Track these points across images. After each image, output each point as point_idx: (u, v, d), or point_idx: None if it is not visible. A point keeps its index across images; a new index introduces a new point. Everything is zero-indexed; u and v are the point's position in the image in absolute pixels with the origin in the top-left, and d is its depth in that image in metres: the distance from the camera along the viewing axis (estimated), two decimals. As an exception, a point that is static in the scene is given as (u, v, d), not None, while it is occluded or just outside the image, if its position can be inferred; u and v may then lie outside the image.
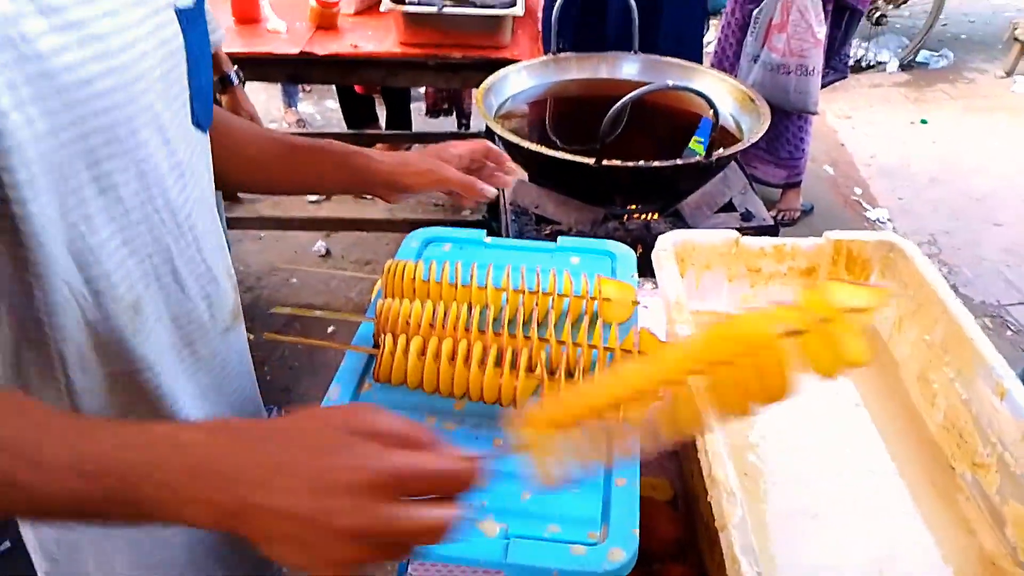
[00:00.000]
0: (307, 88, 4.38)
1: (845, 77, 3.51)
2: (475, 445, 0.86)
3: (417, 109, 3.87)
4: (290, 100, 4.05)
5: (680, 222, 1.79)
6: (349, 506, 0.47)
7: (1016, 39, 4.82)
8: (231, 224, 3.11)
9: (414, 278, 1.03)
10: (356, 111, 3.64)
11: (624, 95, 1.50)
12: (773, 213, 3.57)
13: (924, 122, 4.54)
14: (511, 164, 1.10)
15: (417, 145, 3.35)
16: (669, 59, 2.03)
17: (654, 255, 1.05)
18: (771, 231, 1.78)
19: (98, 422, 0.59)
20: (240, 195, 3.42)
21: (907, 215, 3.71)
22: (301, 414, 0.54)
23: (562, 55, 2.06)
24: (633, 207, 1.81)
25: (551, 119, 2.08)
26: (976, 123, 4.54)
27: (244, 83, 1.92)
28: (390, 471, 0.48)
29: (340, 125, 3.80)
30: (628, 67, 2.03)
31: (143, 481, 0.49)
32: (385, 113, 3.69)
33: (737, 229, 1.77)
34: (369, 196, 1.08)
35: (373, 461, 0.48)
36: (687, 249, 1.08)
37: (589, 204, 1.81)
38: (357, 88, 3.47)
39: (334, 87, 3.75)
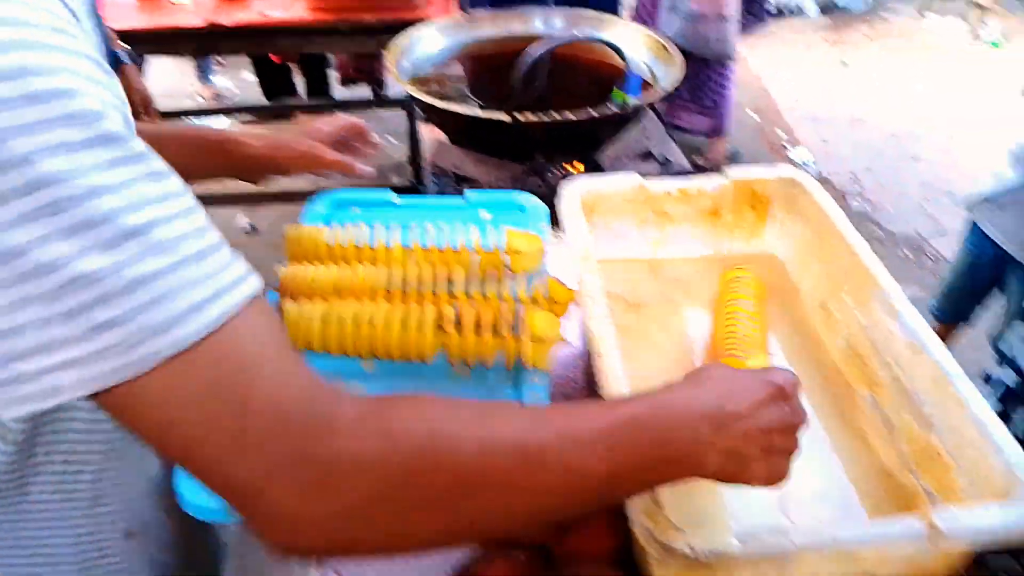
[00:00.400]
0: (222, 61, 4.25)
1: (763, 22, 3.54)
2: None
3: (336, 77, 3.79)
4: (204, 74, 3.92)
5: (601, 173, 1.80)
6: (792, 435, 0.62)
7: (928, -22, 4.93)
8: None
9: (316, 243, 1.01)
10: (273, 82, 3.55)
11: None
12: (701, 162, 3.62)
13: (845, 64, 4.63)
14: (376, 139, 1.14)
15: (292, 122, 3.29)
16: (583, 11, 2.02)
17: (561, 205, 1.05)
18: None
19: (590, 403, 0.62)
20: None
21: (831, 156, 3.80)
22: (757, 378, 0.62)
23: (476, 12, 2.04)
24: (554, 161, 1.81)
25: (470, 79, 2.05)
26: (893, 62, 4.66)
27: (137, 63, 1.84)
28: (800, 422, 0.63)
29: (258, 97, 3.70)
30: (541, 21, 2.01)
31: (664, 445, 0.55)
32: (304, 83, 3.60)
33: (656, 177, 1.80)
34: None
35: (802, 413, 0.63)
36: (594, 197, 1.09)
37: (509, 161, 1.80)
38: (273, 58, 3.38)
39: (249, 59, 3.63)
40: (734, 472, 0.59)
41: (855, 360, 0.95)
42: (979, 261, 2.09)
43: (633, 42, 1.94)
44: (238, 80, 4.25)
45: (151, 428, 0.44)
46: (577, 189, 1.06)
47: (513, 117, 1.60)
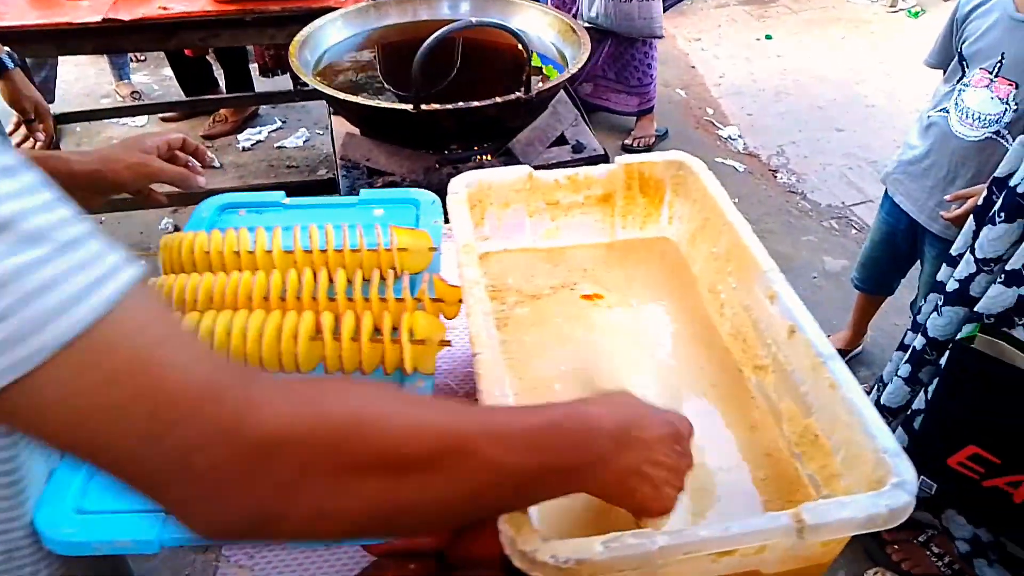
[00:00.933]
0: (140, 57, 4.10)
1: None
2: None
3: (254, 68, 3.69)
4: (120, 72, 3.77)
5: (513, 160, 1.78)
6: (679, 478, 0.66)
7: (846, -52, 5.00)
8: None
9: (194, 250, 0.98)
10: (193, 77, 3.43)
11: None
12: (628, 141, 3.63)
13: (769, 38, 4.68)
14: (209, 155, 1.10)
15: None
16: (488, -5, 1.99)
17: (447, 199, 1.03)
18: (603, 159, 1.80)
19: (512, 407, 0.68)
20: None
21: (756, 130, 3.84)
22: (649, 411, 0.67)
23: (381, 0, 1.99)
24: (465, 150, 1.78)
25: (383, 67, 2.01)
26: (816, 35, 4.72)
27: (20, 66, 1.76)
28: (690, 465, 0.68)
29: (179, 93, 3.58)
30: (447, 7, 1.97)
31: (578, 451, 0.58)
32: (223, 76, 3.50)
33: (569, 162, 1.79)
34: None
35: (690, 459, 0.69)
36: (483, 189, 1.07)
37: (419, 151, 1.77)
38: (187, 52, 3.26)
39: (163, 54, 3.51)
40: (624, 493, 0.63)
41: (741, 343, 0.96)
42: (894, 230, 2.13)
43: (540, 24, 1.92)
44: (158, 76, 4.10)
45: (56, 428, 0.42)
46: (464, 182, 1.04)
47: (417, 106, 1.57)
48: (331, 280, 0.95)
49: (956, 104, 1.83)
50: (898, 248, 2.16)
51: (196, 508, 0.45)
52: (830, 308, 2.74)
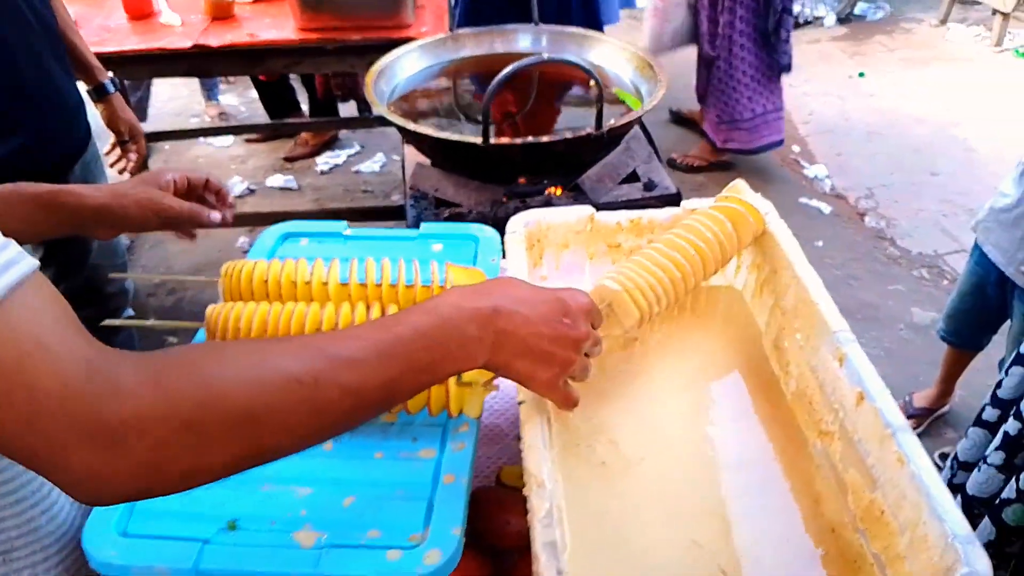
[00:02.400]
0: (230, 79, 4.27)
1: None
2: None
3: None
4: (210, 93, 3.94)
5: (583, 196, 1.76)
6: (568, 347, 0.70)
7: (949, -14, 4.81)
8: (151, 226, 3.03)
9: (252, 279, 0.99)
10: (276, 100, 3.55)
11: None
12: (675, 156, 3.61)
13: (862, 75, 4.53)
14: (231, 199, 1.08)
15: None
16: (566, 29, 1.99)
17: (506, 238, 1.01)
18: (674, 200, 1.75)
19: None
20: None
21: (845, 170, 3.70)
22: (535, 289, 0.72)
23: (459, 31, 2.01)
24: (534, 184, 1.77)
25: (457, 98, 2.03)
26: (913, 74, 4.54)
27: (119, 90, 1.84)
28: (586, 337, 0.72)
29: (264, 115, 3.71)
30: (524, 40, 1.98)
31: (438, 347, 0.63)
32: (308, 101, 3.61)
33: (639, 200, 1.75)
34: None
35: (583, 330, 0.71)
36: (542, 229, 1.05)
37: (488, 184, 1.77)
38: (261, 77, 3.39)
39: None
40: (502, 365, 0.68)
41: (806, 405, 0.90)
42: (984, 282, 2.00)
43: (618, 60, 1.90)
44: (246, 98, 4.27)
45: None
46: (523, 221, 1.02)
47: (486, 139, 1.57)
48: (383, 314, 0.94)
49: None
50: (988, 301, 2.02)
51: (76, 489, 0.50)
52: (917, 363, 2.59)
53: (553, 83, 2.02)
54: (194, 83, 4.11)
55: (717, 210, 0.98)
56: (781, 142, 3.55)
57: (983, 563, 0.63)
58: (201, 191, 1.04)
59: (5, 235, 0.49)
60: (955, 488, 1.64)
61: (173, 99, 4.23)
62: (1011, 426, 1.46)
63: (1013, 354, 1.54)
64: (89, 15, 2.39)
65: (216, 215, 1.02)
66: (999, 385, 1.59)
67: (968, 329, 2.16)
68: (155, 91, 3.65)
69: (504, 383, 1.10)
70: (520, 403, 0.80)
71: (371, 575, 0.71)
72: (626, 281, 0.89)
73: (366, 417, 0.61)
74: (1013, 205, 1.81)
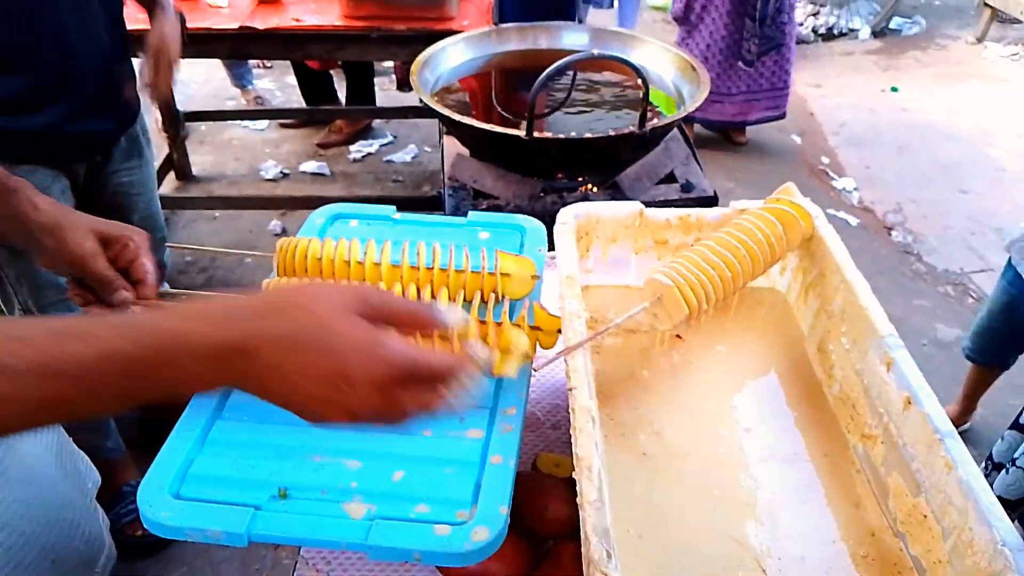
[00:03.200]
0: (267, 64, 4.30)
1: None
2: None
3: (381, 84, 3.82)
4: (242, 81, 3.93)
5: (619, 194, 1.77)
6: (364, 394, 0.53)
7: (987, 4, 4.77)
8: (183, 204, 3.07)
9: (307, 256, 1.01)
10: (313, 87, 3.58)
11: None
12: None
13: (895, 90, 4.51)
14: (151, 279, 0.90)
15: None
16: (611, 28, 2.00)
17: (555, 229, 1.02)
18: (711, 202, 1.76)
19: (64, 321, 0.53)
20: (194, 173, 3.38)
21: (874, 184, 3.69)
22: (308, 291, 0.56)
23: (503, 26, 2.03)
24: (572, 179, 1.78)
25: (498, 91, 2.04)
26: (946, 91, 4.51)
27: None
28: (402, 366, 0.54)
29: (299, 101, 3.74)
30: (568, 37, 1.99)
31: (150, 375, 0.51)
32: (346, 88, 3.63)
33: (676, 201, 1.76)
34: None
35: (388, 355, 0.54)
36: (591, 222, 1.06)
37: (527, 177, 1.78)
38: (311, 64, 3.41)
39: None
40: (255, 393, 0.55)
41: (850, 409, 0.91)
42: (1016, 302, 2.00)
43: (661, 61, 1.91)
44: (282, 83, 4.31)
45: None
46: (573, 213, 1.04)
47: (529, 133, 1.58)
48: (434, 298, 0.96)
49: None
50: (1018, 320, 2.02)
51: None
52: (939, 379, 2.58)
53: (595, 80, 2.03)
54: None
55: (768, 211, 0.99)
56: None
57: (1032, 570, 0.64)
58: (128, 265, 0.90)
59: None
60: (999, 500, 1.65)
61: (209, 81, 4.27)
62: None
63: None
64: (136, -7, 2.42)
65: (123, 295, 0.88)
66: None
67: (995, 348, 2.15)
68: (191, 73, 3.69)
69: (547, 371, 1.12)
70: (570, 390, 0.81)
71: (419, 548, 0.72)
72: (677, 276, 0.90)
73: (16, 429, 0.52)
74: None
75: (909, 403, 0.79)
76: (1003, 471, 1.58)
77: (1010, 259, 1.98)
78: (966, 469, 0.71)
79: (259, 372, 0.52)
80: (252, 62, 4.20)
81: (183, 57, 1.68)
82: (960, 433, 2.33)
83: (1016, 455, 1.55)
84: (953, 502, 0.72)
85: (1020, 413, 1.66)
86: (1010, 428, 1.67)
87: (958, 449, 0.73)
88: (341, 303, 0.55)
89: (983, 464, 1.79)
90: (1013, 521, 1.47)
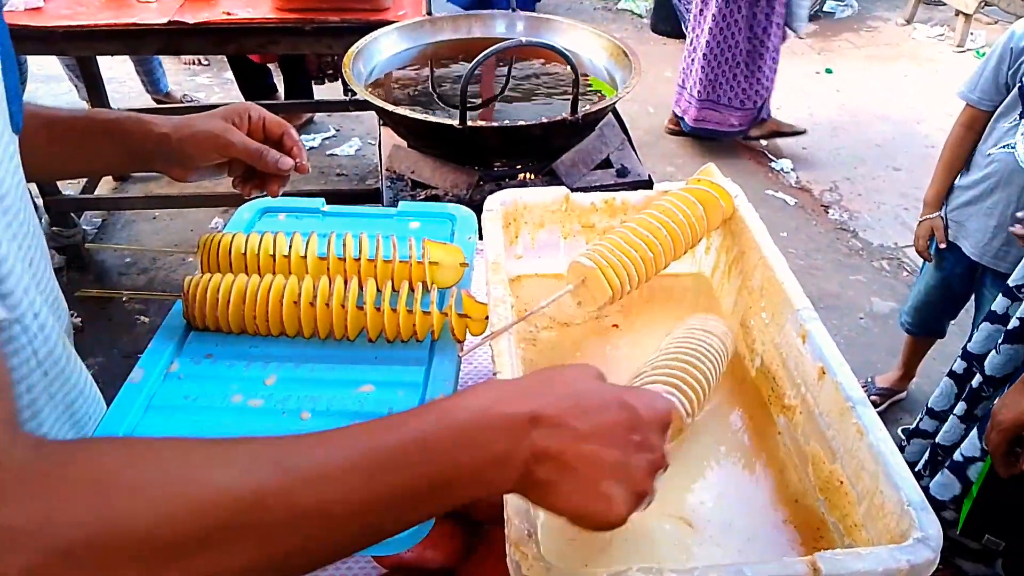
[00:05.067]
0: (204, 60, 4.21)
1: None
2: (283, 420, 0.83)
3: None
4: (156, 86, 3.77)
5: (557, 181, 1.78)
6: (638, 477, 0.54)
7: (914, -14, 4.91)
8: (121, 204, 3.00)
9: (231, 251, 0.99)
10: (252, 81, 3.52)
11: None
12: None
13: (829, 72, 4.61)
14: (304, 161, 0.96)
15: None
16: (542, 16, 2.00)
17: (483, 216, 1.03)
18: (646, 185, 1.78)
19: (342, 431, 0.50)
20: (132, 174, 3.30)
21: (810, 164, 3.78)
22: (562, 369, 0.57)
23: (437, 16, 2.02)
24: (509, 167, 1.79)
25: (434, 81, 2.03)
26: (878, 71, 4.64)
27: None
28: (658, 464, 0.56)
29: (240, 97, 3.67)
30: (501, 25, 1.99)
31: (462, 461, 0.48)
32: (283, 83, 3.58)
33: (611, 186, 1.78)
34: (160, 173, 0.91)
35: (659, 450, 0.56)
36: (519, 209, 1.07)
37: (464, 167, 1.78)
38: (253, 58, 3.35)
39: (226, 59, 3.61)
40: (539, 498, 0.52)
41: (770, 381, 0.94)
42: (950, 274, 2.08)
43: (593, 47, 1.92)
44: (220, 80, 4.22)
45: None
46: (499, 200, 1.04)
47: (463, 122, 1.58)
48: (361, 288, 0.96)
49: (1023, 139, 1.79)
50: (953, 291, 2.12)
51: None
52: (876, 350, 2.67)
53: (530, 67, 2.04)
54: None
55: (688, 192, 1.01)
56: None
57: (935, 528, 0.66)
58: (277, 138, 0.93)
59: (79, 170, 0.43)
60: (922, 433, 1.73)
61: (134, 78, 4.15)
62: (975, 380, 1.57)
63: (986, 311, 1.61)
64: (59, -13, 2.35)
65: (288, 161, 0.91)
66: (969, 339, 1.67)
67: (933, 319, 2.24)
68: (125, 70, 3.58)
69: (481, 359, 1.13)
70: (495, 374, 0.82)
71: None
72: (600, 259, 0.92)
73: (335, 553, 0.48)
74: (984, 195, 1.90)
75: (823, 373, 0.82)
76: (947, 422, 1.65)
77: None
78: (876, 435, 0.74)
79: (552, 446, 0.50)
80: (184, 58, 4.10)
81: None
82: (897, 401, 2.43)
83: (951, 402, 1.63)
84: (865, 467, 0.74)
85: (953, 362, 1.74)
86: (948, 376, 1.74)
87: (868, 416, 0.76)
88: (595, 372, 0.57)
89: (920, 415, 1.86)
90: (946, 466, 1.55)
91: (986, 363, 1.53)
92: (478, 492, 0.50)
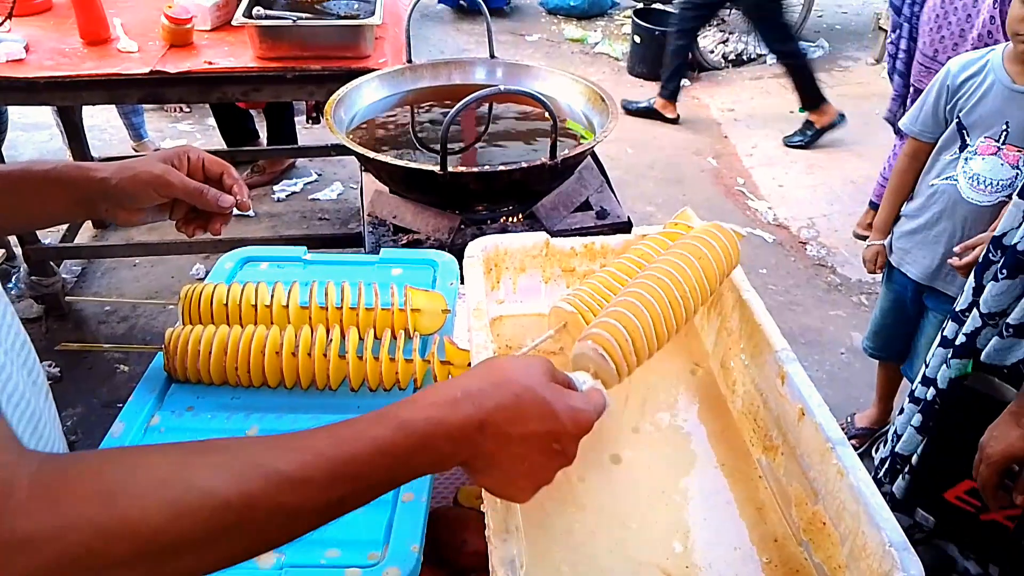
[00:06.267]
0: (186, 108, 4.23)
1: None
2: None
3: (301, 121, 3.79)
4: (137, 131, 3.79)
5: (538, 224, 1.80)
6: (548, 472, 0.63)
7: (881, 28, 5.05)
8: (101, 252, 2.99)
9: (212, 302, 1.00)
10: (233, 126, 3.54)
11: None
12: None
13: (803, 111, 4.70)
14: (244, 198, 0.94)
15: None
16: (522, 62, 2.04)
17: (464, 262, 1.04)
18: (625, 228, 1.81)
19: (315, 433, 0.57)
20: (108, 222, 3.29)
21: (787, 201, 3.84)
22: (512, 365, 0.63)
23: (417, 63, 2.05)
24: (490, 211, 1.81)
25: (415, 127, 2.06)
26: (851, 108, 4.72)
27: None
28: (592, 421, 0.65)
29: (222, 143, 3.69)
30: (480, 72, 2.03)
31: (406, 464, 0.56)
32: (266, 128, 3.60)
33: (592, 228, 1.80)
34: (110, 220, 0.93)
35: (583, 414, 0.63)
36: (500, 254, 1.08)
37: (446, 211, 1.80)
38: (240, 105, 3.38)
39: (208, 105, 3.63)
40: (470, 474, 0.62)
41: (752, 422, 0.94)
42: (902, 298, 2.18)
43: (571, 92, 1.96)
44: (203, 126, 4.24)
45: None
46: (480, 246, 1.05)
47: (444, 168, 1.60)
48: (344, 337, 0.96)
49: (964, 172, 1.88)
50: (907, 313, 2.20)
51: None
52: (857, 386, 2.69)
53: (509, 113, 2.07)
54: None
55: (665, 235, 1.02)
56: None
57: (917, 568, 0.67)
58: (217, 178, 0.93)
59: (21, 222, 0.46)
60: (896, 457, 1.76)
61: (120, 128, 4.17)
62: (928, 395, 1.61)
63: (938, 337, 1.66)
64: (43, 38, 2.37)
65: (228, 198, 0.90)
66: (927, 364, 1.71)
67: (893, 341, 2.32)
68: (98, 118, 3.58)
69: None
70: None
71: (332, 593, 0.72)
72: (580, 304, 0.92)
73: (299, 535, 0.55)
74: (929, 224, 1.99)
75: (803, 414, 0.83)
76: (905, 434, 1.69)
77: (890, 262, 2.13)
78: (856, 475, 0.75)
79: (491, 448, 0.59)
80: (167, 106, 4.12)
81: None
82: (880, 435, 2.45)
83: (910, 418, 1.67)
84: (847, 507, 0.75)
85: (914, 388, 1.76)
86: (909, 402, 1.76)
87: (848, 456, 0.77)
88: (540, 372, 0.63)
89: (890, 436, 1.89)
90: (904, 472, 1.61)
91: (938, 378, 1.58)
92: (420, 475, 0.59)
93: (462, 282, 1.11)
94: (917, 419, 1.66)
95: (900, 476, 1.67)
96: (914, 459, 1.62)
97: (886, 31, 5.00)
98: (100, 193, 0.85)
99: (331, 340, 0.94)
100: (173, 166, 0.89)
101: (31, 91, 2.22)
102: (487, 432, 0.58)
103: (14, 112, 3.35)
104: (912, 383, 1.77)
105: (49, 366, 2.63)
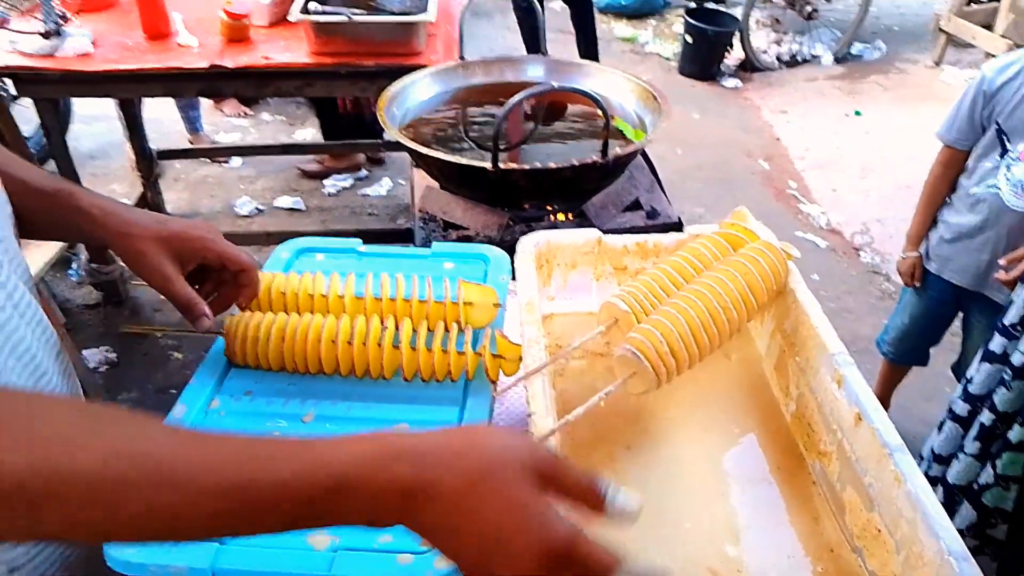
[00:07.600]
0: (248, 112, 4.29)
1: None
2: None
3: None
4: (193, 124, 3.87)
5: (587, 222, 1.79)
6: (514, 565, 0.50)
7: (942, 30, 4.92)
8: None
9: (271, 291, 1.02)
10: (340, 128, 3.57)
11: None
12: None
13: (858, 114, 4.61)
14: (249, 293, 0.95)
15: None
16: (573, 60, 2.04)
17: (516, 257, 1.04)
18: (676, 228, 1.79)
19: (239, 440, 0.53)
20: (168, 212, 3.38)
21: (840, 206, 3.76)
22: (487, 439, 0.54)
23: (469, 60, 2.06)
24: (539, 209, 1.81)
25: (466, 124, 2.07)
26: (907, 112, 4.62)
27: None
28: (558, 549, 0.50)
29: (274, 138, 3.76)
30: (532, 70, 2.03)
31: (321, 513, 0.51)
32: (319, 124, 3.65)
33: (642, 228, 1.79)
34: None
35: (549, 533, 0.50)
36: (552, 250, 1.08)
37: (495, 208, 1.81)
38: (340, 105, 3.43)
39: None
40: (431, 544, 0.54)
41: (805, 427, 0.93)
42: (939, 305, 2.13)
43: (622, 90, 1.95)
44: (257, 120, 4.32)
45: None
46: (533, 241, 1.06)
47: (495, 164, 1.61)
48: (397, 328, 0.97)
49: (1007, 178, 1.84)
50: (939, 317, 2.17)
51: None
52: (908, 394, 2.62)
53: (560, 110, 2.07)
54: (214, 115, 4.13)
55: (720, 236, 1.02)
56: None
57: (977, 579, 0.65)
58: (230, 275, 0.93)
59: (55, 237, 0.48)
60: (931, 480, 1.71)
61: (178, 120, 4.27)
62: (986, 417, 1.56)
63: (981, 351, 1.61)
64: (108, 32, 2.44)
65: (205, 323, 0.87)
66: (969, 381, 1.66)
67: (918, 348, 2.31)
68: (157, 112, 3.68)
69: (515, 397, 1.13)
70: (530, 415, 0.82)
71: (381, 579, 0.73)
72: (632, 301, 0.92)
73: (181, 540, 0.53)
74: (974, 232, 1.95)
75: (859, 419, 0.81)
76: (955, 459, 1.64)
77: (930, 269, 2.11)
78: (914, 482, 0.73)
79: (427, 520, 0.51)
80: (228, 110, 4.21)
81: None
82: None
83: (964, 443, 1.62)
84: (903, 515, 0.74)
85: (952, 405, 1.72)
86: (951, 420, 1.72)
87: (906, 462, 0.75)
88: (516, 458, 0.52)
89: (926, 456, 1.85)
90: (963, 504, 1.56)
91: (996, 399, 1.52)
92: (340, 525, 0.53)
93: (513, 278, 1.12)
94: (974, 446, 1.59)
95: (959, 506, 1.61)
96: (985, 498, 1.54)
97: (947, 34, 4.88)
98: (101, 236, 0.84)
99: (385, 330, 0.95)
100: (192, 249, 0.87)
101: (95, 83, 2.30)
102: (418, 503, 0.50)
103: (76, 104, 3.46)
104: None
105: (106, 351, 2.71)
